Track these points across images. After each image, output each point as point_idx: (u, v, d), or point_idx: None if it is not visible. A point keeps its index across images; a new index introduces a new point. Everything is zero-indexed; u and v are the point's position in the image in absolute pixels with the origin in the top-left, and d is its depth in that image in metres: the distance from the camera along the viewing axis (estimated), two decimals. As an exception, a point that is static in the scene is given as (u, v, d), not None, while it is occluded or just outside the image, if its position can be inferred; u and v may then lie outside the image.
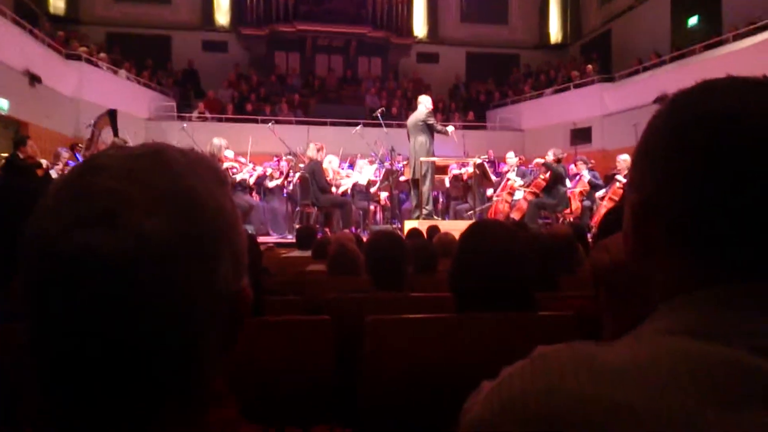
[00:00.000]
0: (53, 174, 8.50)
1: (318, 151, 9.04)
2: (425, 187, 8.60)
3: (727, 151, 0.53)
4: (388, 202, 10.45)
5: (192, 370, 0.54)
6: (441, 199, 10.75)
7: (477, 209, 9.71)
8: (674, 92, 0.63)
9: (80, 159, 9.14)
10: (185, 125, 12.17)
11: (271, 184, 10.41)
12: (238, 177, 9.56)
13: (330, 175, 9.54)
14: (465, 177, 10.14)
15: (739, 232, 0.53)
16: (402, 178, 9.95)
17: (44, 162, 8.44)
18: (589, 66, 16.31)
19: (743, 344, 0.49)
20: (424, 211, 8.55)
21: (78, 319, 0.49)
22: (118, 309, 0.49)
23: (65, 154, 8.96)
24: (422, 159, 8.40)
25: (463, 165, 10.43)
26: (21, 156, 8.21)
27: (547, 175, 9.34)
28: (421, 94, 18.10)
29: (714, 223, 0.54)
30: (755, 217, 0.53)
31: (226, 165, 8.84)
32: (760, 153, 0.53)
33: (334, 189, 9.54)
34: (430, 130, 8.51)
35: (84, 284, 0.49)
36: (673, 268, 0.57)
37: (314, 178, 8.79)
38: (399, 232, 8.10)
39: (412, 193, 9.06)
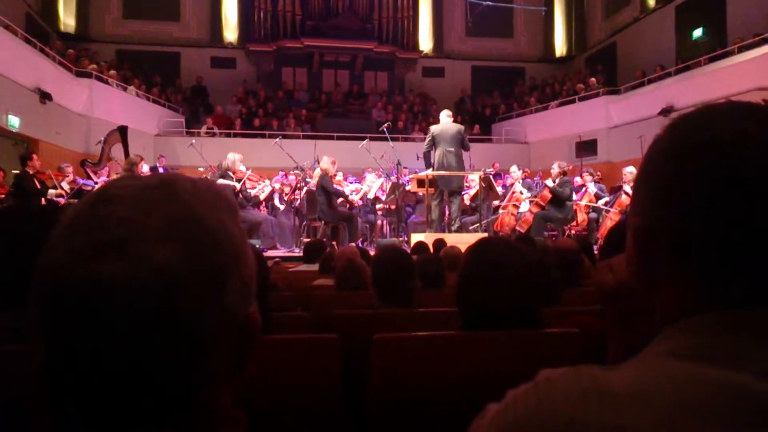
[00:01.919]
0: (65, 186, 8.57)
1: (332, 164, 9.11)
2: (457, 202, 8.70)
3: (729, 176, 0.54)
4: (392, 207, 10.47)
5: (201, 393, 0.55)
6: (447, 212, 10.75)
7: (483, 222, 9.70)
8: (674, 118, 0.63)
9: (91, 174, 9.22)
10: (194, 141, 12.25)
11: (278, 201, 10.48)
12: (253, 192, 9.61)
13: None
14: (468, 200, 10.17)
15: (742, 257, 0.54)
16: (408, 187, 10.01)
17: (54, 190, 8.53)
18: (593, 79, 16.31)
19: (748, 369, 0.50)
20: (455, 225, 8.65)
21: (88, 346, 0.51)
22: (127, 336, 0.50)
23: (68, 169, 9.04)
24: (457, 173, 8.46)
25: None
26: (30, 172, 8.29)
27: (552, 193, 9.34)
28: (427, 107, 18.21)
29: (717, 249, 0.54)
30: (759, 242, 0.53)
31: (239, 177, 8.91)
32: (762, 179, 0.53)
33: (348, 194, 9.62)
34: (463, 144, 8.52)
35: (95, 313, 0.50)
36: (676, 291, 0.58)
37: (325, 190, 8.84)
38: (405, 245, 8.11)
39: (433, 204, 8.82)
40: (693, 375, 0.50)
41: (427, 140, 8.62)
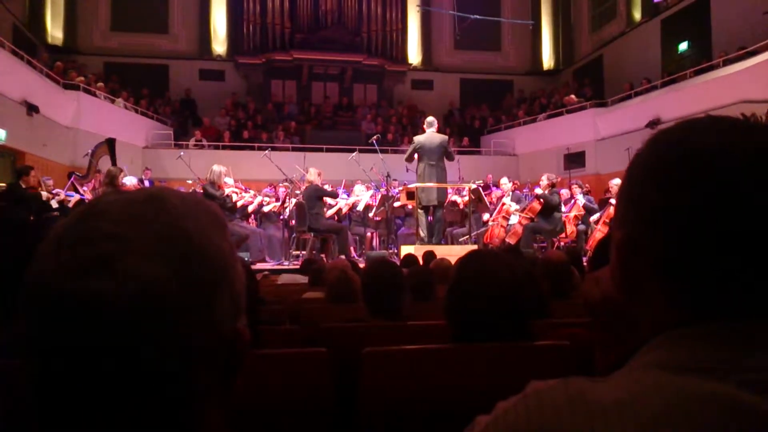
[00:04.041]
0: (54, 204, 8.49)
1: (318, 175, 9.14)
2: (439, 215, 8.74)
3: (709, 189, 0.55)
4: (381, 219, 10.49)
5: (189, 409, 0.55)
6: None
7: (473, 234, 9.72)
8: (655, 132, 0.64)
9: (78, 187, 9.16)
10: (182, 153, 12.21)
11: (266, 207, 10.44)
12: (239, 203, 9.57)
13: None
14: (462, 205, 10.19)
15: (724, 269, 0.54)
16: (397, 204, 10.06)
17: (45, 194, 8.46)
18: (572, 96, 16.47)
19: (733, 379, 0.50)
20: (437, 238, 8.69)
21: (77, 363, 0.50)
22: (116, 353, 0.50)
23: (49, 182, 8.97)
24: (438, 185, 8.44)
25: (458, 190, 10.47)
26: (23, 186, 8.22)
27: (541, 200, 9.38)
28: (415, 120, 18.31)
29: (699, 261, 0.55)
30: (740, 254, 0.54)
31: (228, 191, 8.87)
32: (740, 191, 0.54)
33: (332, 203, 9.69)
34: (447, 155, 8.51)
35: (82, 330, 0.49)
36: (660, 303, 0.58)
37: (317, 196, 8.86)
38: (395, 257, 8.11)
39: (421, 217, 8.80)
40: (680, 387, 0.50)
41: (409, 151, 8.61)
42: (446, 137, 8.76)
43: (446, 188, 8.85)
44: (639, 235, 0.59)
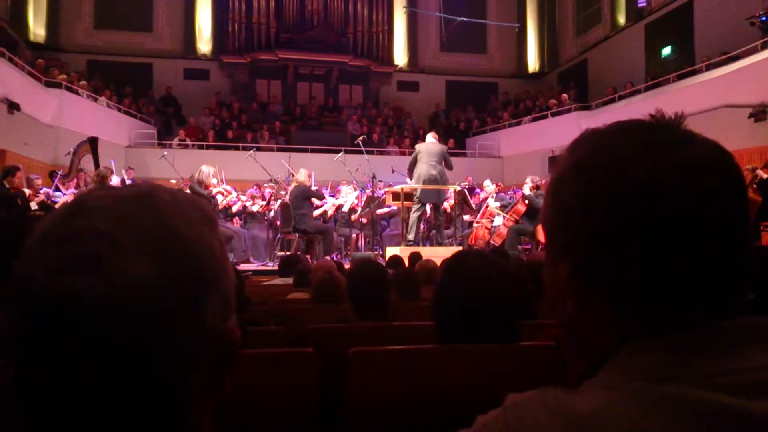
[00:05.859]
0: (33, 206, 8.36)
1: (308, 176, 9.16)
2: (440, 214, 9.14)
3: (653, 216, 0.55)
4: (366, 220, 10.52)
5: (178, 410, 0.54)
6: (423, 226, 10.80)
7: (458, 235, 9.75)
8: (571, 157, 0.65)
9: (59, 186, 9.04)
10: (166, 153, 12.11)
11: (253, 207, 10.39)
12: (222, 203, 9.52)
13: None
14: (449, 209, 10.25)
15: (681, 280, 0.55)
16: (382, 210, 10.14)
17: (27, 191, 8.33)
18: (564, 95, 16.59)
19: (705, 384, 0.51)
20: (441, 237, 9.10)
21: (63, 363, 0.49)
22: (103, 353, 0.49)
23: (38, 181, 8.84)
24: (441, 187, 8.77)
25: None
26: (7, 186, 8.10)
27: (526, 202, 9.43)
28: (401, 121, 18.39)
29: (659, 277, 0.56)
30: (697, 265, 0.55)
31: (213, 191, 8.83)
32: (675, 216, 0.55)
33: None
34: (446, 162, 8.83)
35: (70, 328, 0.48)
36: (618, 320, 0.58)
37: (304, 196, 8.86)
38: (380, 258, 8.12)
39: (413, 217, 8.95)
40: (656, 393, 0.51)
41: (411, 159, 8.93)
42: (445, 147, 9.17)
43: (446, 188, 9.13)
44: (588, 263, 0.59)
